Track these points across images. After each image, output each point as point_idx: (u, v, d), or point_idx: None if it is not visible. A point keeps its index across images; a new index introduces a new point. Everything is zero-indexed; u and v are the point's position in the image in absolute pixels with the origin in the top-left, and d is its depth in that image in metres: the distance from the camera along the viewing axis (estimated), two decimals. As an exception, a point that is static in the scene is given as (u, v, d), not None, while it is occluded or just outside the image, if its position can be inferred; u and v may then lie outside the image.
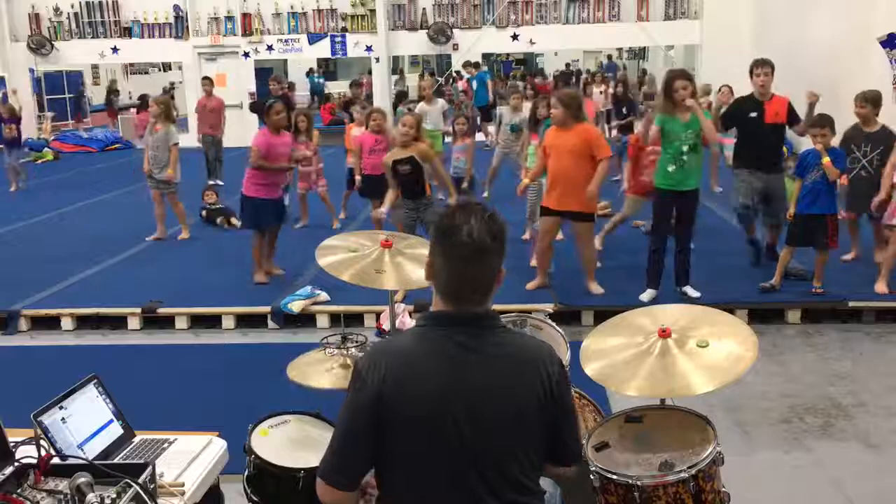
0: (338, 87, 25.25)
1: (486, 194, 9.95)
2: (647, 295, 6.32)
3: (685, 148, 6.02)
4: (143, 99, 15.55)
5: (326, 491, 2.07)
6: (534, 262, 7.00)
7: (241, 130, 14.99)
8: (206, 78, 13.69)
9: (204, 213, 9.85)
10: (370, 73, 18.35)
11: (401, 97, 18.13)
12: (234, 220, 9.30)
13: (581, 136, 6.22)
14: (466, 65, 18.55)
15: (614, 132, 12.37)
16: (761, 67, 6.72)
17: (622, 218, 7.92)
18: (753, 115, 6.75)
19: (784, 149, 7.35)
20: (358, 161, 8.36)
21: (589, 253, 6.64)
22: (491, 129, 14.48)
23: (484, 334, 2.06)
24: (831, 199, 6.19)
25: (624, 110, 12.00)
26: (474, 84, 17.64)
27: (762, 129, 6.73)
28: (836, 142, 6.49)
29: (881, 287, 6.34)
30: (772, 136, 6.79)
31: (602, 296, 6.47)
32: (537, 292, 6.56)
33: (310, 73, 26.19)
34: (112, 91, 22.75)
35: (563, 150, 6.25)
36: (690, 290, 6.33)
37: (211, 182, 12.16)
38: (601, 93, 14.93)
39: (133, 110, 18.44)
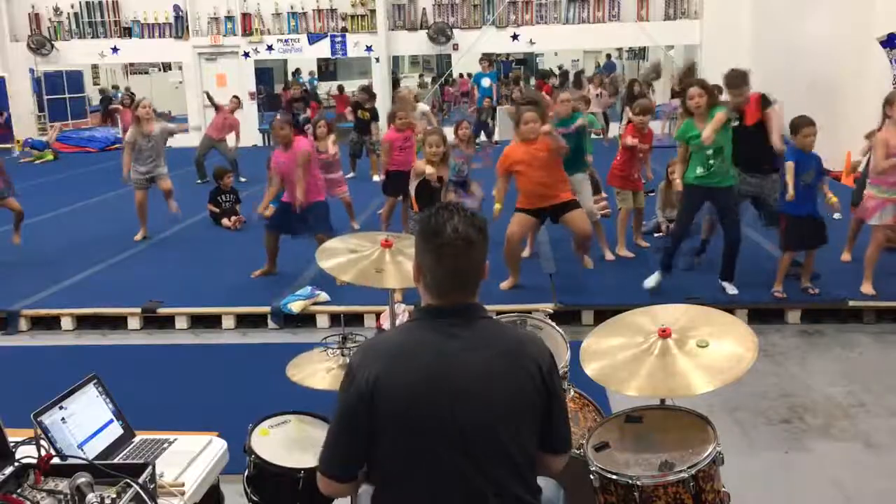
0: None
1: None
2: (652, 279, 6.29)
3: (709, 152, 5.98)
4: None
5: (326, 483, 2.14)
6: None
7: (241, 130, 14.95)
8: (235, 96, 13.64)
9: (216, 198, 9.78)
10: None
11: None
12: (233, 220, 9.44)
13: (545, 144, 6.21)
14: (483, 60, 18.14)
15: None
16: (737, 89, 6.37)
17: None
18: (735, 123, 6.36)
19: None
20: (386, 160, 8.26)
21: (586, 228, 6.53)
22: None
23: (472, 324, 2.10)
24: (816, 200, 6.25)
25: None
26: (487, 81, 17.22)
27: (746, 130, 6.39)
28: None
29: (867, 288, 6.28)
30: (755, 137, 6.40)
31: (601, 294, 6.47)
32: (537, 292, 6.55)
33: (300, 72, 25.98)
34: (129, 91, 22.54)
35: (535, 163, 6.22)
36: (728, 287, 6.29)
37: (199, 182, 12.33)
38: (598, 95, 14.96)
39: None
